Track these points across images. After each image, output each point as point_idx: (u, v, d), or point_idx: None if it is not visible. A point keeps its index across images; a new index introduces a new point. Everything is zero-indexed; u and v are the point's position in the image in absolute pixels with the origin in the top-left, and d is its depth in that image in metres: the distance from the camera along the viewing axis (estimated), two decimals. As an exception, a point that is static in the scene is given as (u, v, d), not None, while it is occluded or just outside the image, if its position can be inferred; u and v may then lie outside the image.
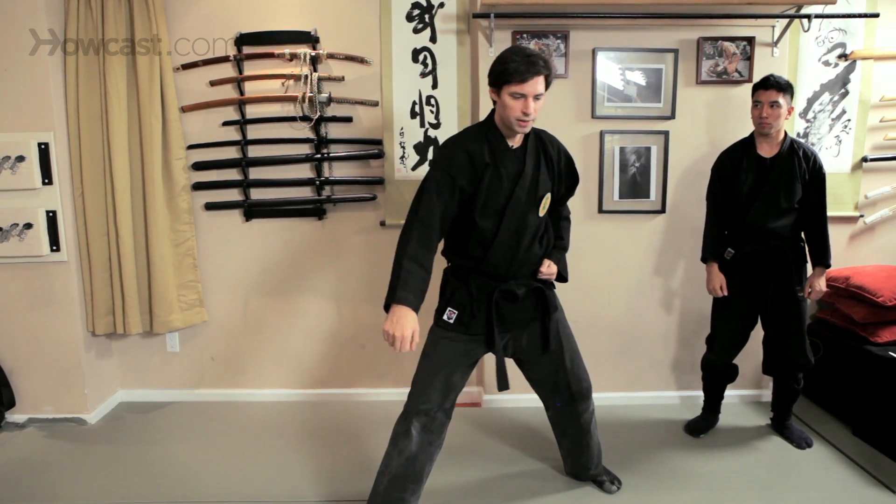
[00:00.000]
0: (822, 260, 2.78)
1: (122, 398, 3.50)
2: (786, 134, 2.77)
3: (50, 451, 2.95)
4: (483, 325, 2.22)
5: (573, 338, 2.43)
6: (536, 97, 2.03)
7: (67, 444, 3.01)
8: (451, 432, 2.98)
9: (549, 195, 2.24)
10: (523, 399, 3.23)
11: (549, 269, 2.30)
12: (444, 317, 2.24)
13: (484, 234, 2.16)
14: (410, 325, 2.01)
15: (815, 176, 2.74)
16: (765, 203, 2.74)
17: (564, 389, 2.41)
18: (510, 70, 1.99)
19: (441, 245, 2.23)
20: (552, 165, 2.25)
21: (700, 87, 3.17)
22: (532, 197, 2.17)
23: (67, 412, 3.22)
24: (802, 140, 3.27)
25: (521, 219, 2.17)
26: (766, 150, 2.77)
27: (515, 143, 2.17)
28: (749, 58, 3.14)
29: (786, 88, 2.66)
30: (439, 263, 2.22)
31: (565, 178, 2.33)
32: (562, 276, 2.37)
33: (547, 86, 2.07)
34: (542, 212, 2.22)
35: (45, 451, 2.94)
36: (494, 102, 2.12)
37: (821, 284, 2.79)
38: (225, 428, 3.17)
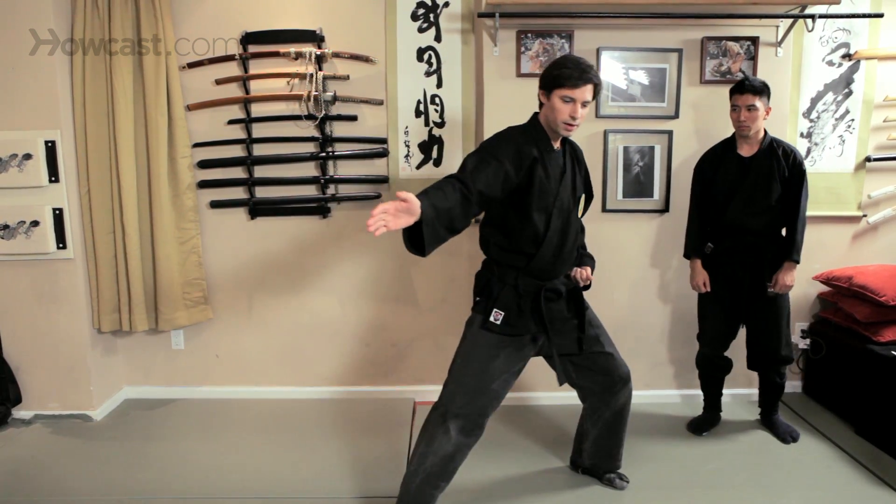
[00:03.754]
0: (790, 254, 2.80)
1: (127, 395, 3.52)
2: (766, 134, 2.81)
3: (56, 447, 2.97)
4: (529, 324, 2.24)
5: (606, 330, 2.51)
6: (584, 104, 2.10)
7: (73, 440, 3.03)
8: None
9: (584, 196, 2.35)
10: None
11: (588, 273, 2.37)
12: (491, 318, 2.20)
13: (537, 230, 2.18)
14: (389, 202, 1.76)
15: (794, 171, 2.77)
16: (742, 201, 2.80)
17: (606, 376, 2.44)
18: (564, 75, 2.07)
19: (487, 245, 2.31)
20: (580, 170, 2.35)
21: (704, 87, 3.18)
22: (573, 196, 2.26)
23: (73, 409, 3.24)
24: (805, 140, 3.29)
25: (566, 217, 2.23)
26: (746, 150, 2.83)
27: (556, 145, 2.24)
28: (753, 58, 3.14)
29: (761, 91, 2.70)
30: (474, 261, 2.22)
31: (588, 184, 2.42)
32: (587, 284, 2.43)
33: (595, 96, 2.14)
34: (580, 212, 2.33)
35: (51, 448, 2.96)
36: (541, 105, 2.19)
37: (785, 279, 2.80)
38: (229, 425, 3.19)
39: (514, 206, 2.17)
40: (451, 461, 2.21)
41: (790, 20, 3.08)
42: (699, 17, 3.05)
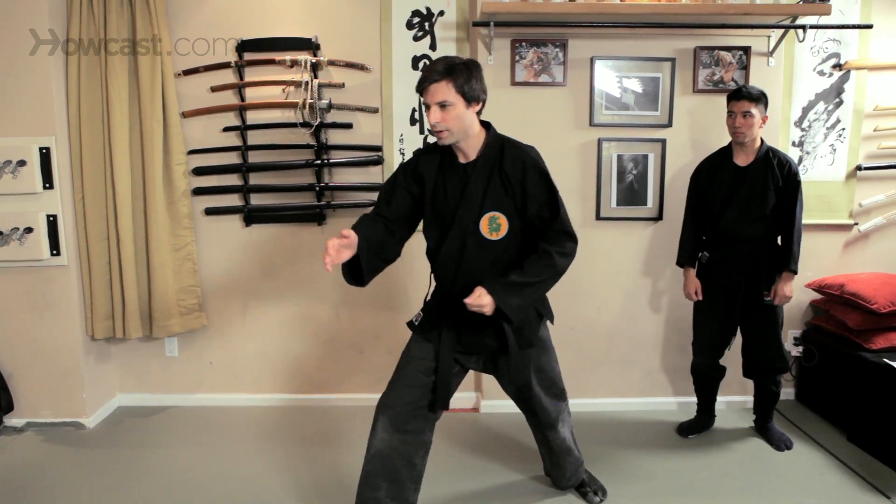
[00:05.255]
0: (787, 265, 2.80)
1: (120, 402, 3.50)
2: (762, 143, 2.83)
3: (48, 455, 2.95)
4: (436, 336, 2.17)
5: (551, 371, 2.32)
6: (442, 105, 1.94)
7: (66, 448, 3.01)
8: (448, 438, 3.01)
9: (497, 215, 2.03)
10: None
11: (476, 299, 1.93)
12: (414, 317, 2.24)
13: (430, 248, 2.18)
14: (334, 239, 1.90)
15: (788, 182, 2.78)
16: (737, 211, 2.81)
17: (532, 416, 2.39)
18: (419, 81, 2.00)
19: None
20: (507, 182, 2.02)
21: (697, 96, 3.21)
22: (474, 217, 2.03)
23: (66, 416, 3.22)
24: (797, 149, 3.32)
25: (462, 240, 2.05)
26: (742, 159, 2.84)
27: (467, 157, 2.06)
28: (745, 67, 3.18)
29: (758, 99, 2.73)
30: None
31: (532, 196, 2.03)
32: (504, 315, 1.98)
33: (466, 94, 1.94)
34: (490, 234, 2.04)
35: (44, 456, 2.94)
36: None
37: (784, 290, 2.81)
38: (223, 432, 3.18)
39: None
40: (385, 460, 2.11)
41: (781, 30, 3.11)
42: (692, 27, 3.08)
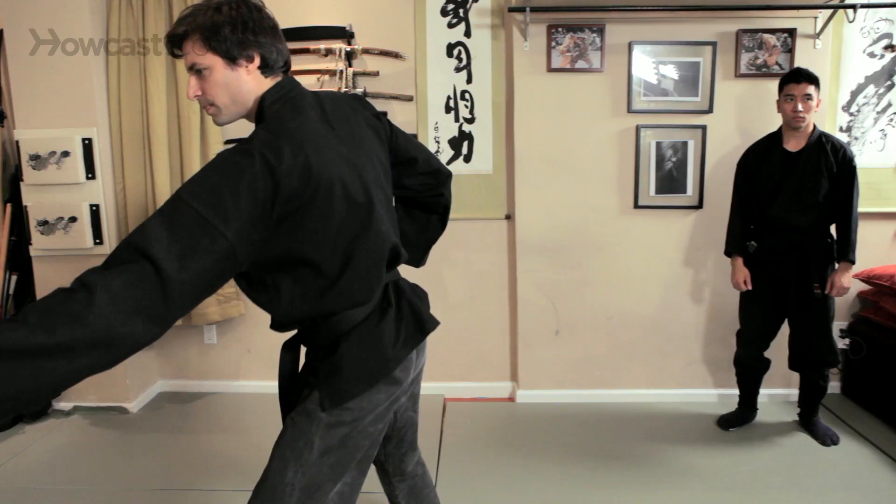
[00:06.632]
0: (845, 254, 2.69)
1: (161, 388, 3.58)
2: (815, 127, 2.72)
3: (93, 437, 3.04)
4: None
5: (275, 469, 1.41)
6: (198, 71, 1.32)
7: (110, 431, 3.10)
8: (485, 427, 3.01)
9: None
10: (557, 395, 3.22)
11: None
12: None
13: None
14: None
15: (844, 168, 2.67)
16: (788, 198, 2.71)
17: None
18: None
19: None
20: None
21: (739, 81, 3.11)
22: None
23: (110, 401, 3.31)
24: (845, 134, 3.20)
25: None
26: (793, 145, 2.74)
27: None
28: (790, 50, 3.07)
29: (816, 81, 2.64)
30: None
31: None
32: None
33: (220, 50, 1.29)
34: None
35: (89, 438, 3.03)
36: None
37: (842, 280, 2.69)
38: (261, 419, 3.21)
39: None
40: None
41: (830, 11, 3.00)
42: (734, 10, 2.99)
